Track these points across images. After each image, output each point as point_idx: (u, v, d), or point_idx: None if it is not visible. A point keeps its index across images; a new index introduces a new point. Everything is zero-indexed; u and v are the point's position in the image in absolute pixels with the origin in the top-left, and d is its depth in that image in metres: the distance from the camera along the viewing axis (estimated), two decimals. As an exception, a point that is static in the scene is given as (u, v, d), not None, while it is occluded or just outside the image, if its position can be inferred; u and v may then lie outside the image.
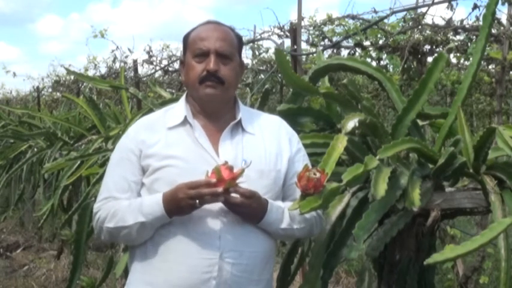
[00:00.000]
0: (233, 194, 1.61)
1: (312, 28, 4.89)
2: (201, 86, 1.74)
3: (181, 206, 1.61)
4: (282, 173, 1.78)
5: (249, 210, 1.65)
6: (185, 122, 1.77)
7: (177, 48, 7.15)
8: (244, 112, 1.83)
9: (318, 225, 1.81)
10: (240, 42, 1.85)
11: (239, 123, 1.79)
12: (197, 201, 1.59)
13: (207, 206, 1.64)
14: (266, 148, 1.78)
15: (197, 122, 1.77)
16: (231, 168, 1.57)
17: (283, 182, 1.78)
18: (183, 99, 1.84)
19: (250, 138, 1.78)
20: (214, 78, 1.73)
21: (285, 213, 1.72)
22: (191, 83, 1.77)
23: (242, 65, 1.87)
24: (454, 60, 4.54)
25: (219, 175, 1.56)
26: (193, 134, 1.75)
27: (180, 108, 1.81)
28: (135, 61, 6.29)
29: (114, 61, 7.56)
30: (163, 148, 1.72)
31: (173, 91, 6.87)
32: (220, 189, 1.56)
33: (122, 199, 1.73)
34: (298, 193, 1.72)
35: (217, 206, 1.65)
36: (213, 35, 1.76)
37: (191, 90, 1.80)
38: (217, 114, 1.79)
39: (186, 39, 1.82)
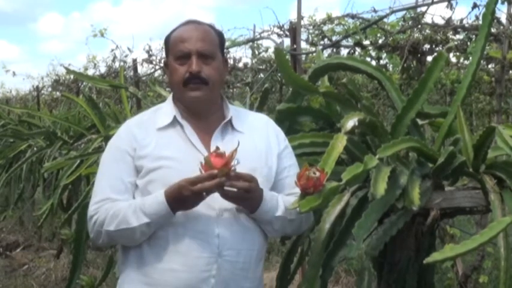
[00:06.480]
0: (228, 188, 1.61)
1: (311, 27, 4.89)
2: (185, 88, 1.74)
3: (189, 203, 1.62)
4: (273, 170, 1.79)
5: (250, 196, 1.64)
6: (175, 122, 1.77)
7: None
8: (233, 111, 1.83)
9: (307, 221, 1.83)
10: (221, 39, 1.84)
11: (229, 122, 1.80)
12: (204, 193, 1.59)
13: (204, 206, 1.65)
14: (256, 146, 1.79)
15: (186, 122, 1.77)
16: (221, 155, 1.57)
17: (273, 178, 1.79)
18: (170, 99, 1.84)
19: (240, 137, 1.77)
20: (197, 80, 1.72)
21: (279, 201, 1.73)
22: (176, 86, 1.77)
23: (225, 61, 1.87)
24: (453, 60, 4.54)
25: (210, 166, 1.56)
26: (183, 134, 1.75)
27: (168, 109, 1.80)
28: (134, 60, 6.30)
29: (113, 60, 7.55)
30: (155, 149, 1.72)
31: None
32: (223, 178, 1.57)
33: (120, 200, 1.71)
34: (287, 189, 1.77)
35: (216, 204, 1.66)
36: (193, 35, 1.75)
37: (176, 93, 1.80)
38: (205, 114, 1.79)
39: (167, 41, 1.82)
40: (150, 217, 1.64)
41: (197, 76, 1.72)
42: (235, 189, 1.60)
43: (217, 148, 1.60)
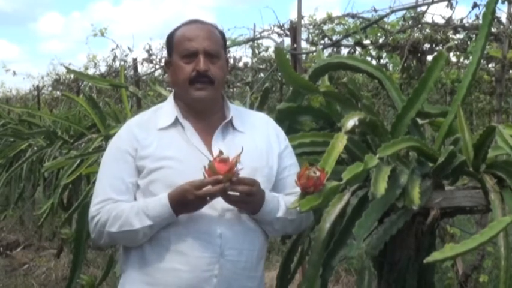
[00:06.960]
0: (231, 192, 1.61)
1: (311, 27, 4.89)
2: (191, 87, 1.74)
3: (192, 206, 1.62)
4: (273, 169, 1.80)
5: (252, 199, 1.65)
6: (176, 122, 1.77)
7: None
8: (233, 110, 1.83)
9: (308, 220, 1.84)
10: (224, 39, 1.86)
11: (229, 121, 1.80)
12: (208, 198, 1.60)
13: (206, 206, 1.65)
14: (257, 146, 1.79)
15: (188, 122, 1.77)
16: (225, 160, 1.58)
17: (274, 178, 1.80)
18: (171, 99, 1.84)
19: (241, 137, 1.78)
20: (204, 78, 1.73)
21: (280, 202, 1.74)
22: (181, 84, 1.77)
23: (227, 61, 1.88)
24: (453, 59, 4.54)
25: (214, 171, 1.56)
26: (185, 135, 1.75)
27: (169, 109, 1.80)
28: (134, 60, 6.30)
29: (114, 60, 7.56)
30: (157, 149, 1.72)
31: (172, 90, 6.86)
32: (227, 184, 1.57)
33: (121, 201, 1.71)
34: (288, 188, 1.77)
35: (218, 205, 1.66)
36: (200, 34, 1.76)
37: (180, 91, 1.80)
38: (207, 113, 1.79)
39: (170, 40, 1.82)
40: (153, 219, 1.64)
41: (204, 75, 1.73)
42: (237, 193, 1.61)
43: (221, 153, 1.60)
